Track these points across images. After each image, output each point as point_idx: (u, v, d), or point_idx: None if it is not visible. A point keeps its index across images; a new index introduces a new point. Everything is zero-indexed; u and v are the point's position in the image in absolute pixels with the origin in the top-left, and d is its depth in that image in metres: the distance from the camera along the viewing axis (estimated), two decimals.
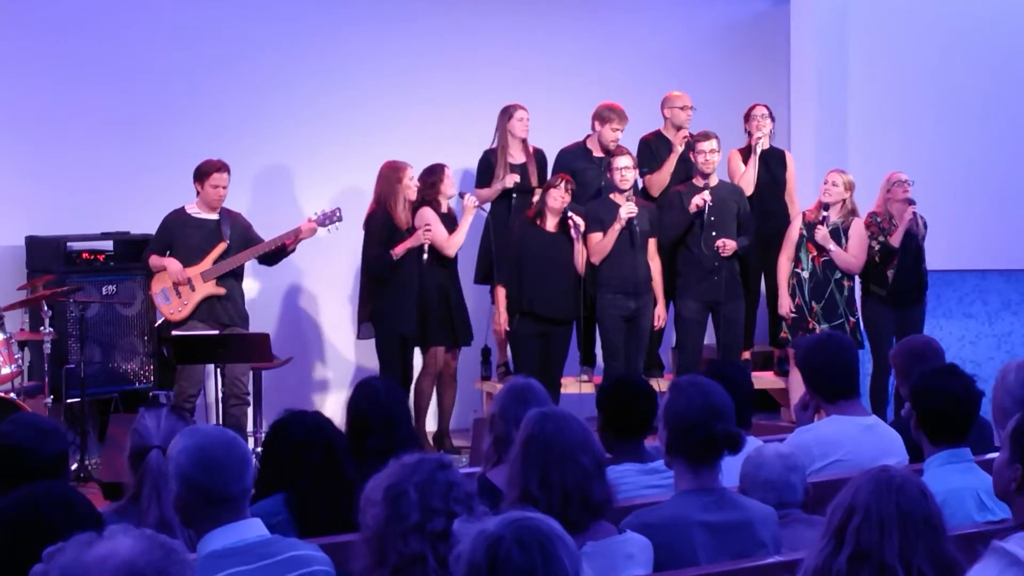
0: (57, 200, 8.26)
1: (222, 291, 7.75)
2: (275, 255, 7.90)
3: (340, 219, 7.88)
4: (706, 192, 8.18)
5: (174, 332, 7.49)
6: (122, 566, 2.01)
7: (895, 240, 8.12)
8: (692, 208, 8.14)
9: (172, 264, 7.67)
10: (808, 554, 2.82)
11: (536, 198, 8.25)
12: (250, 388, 7.83)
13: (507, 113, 8.55)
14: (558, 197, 8.05)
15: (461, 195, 8.28)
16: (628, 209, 8.06)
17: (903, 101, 9.49)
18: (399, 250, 7.89)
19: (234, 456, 3.05)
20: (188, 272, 7.65)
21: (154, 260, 7.70)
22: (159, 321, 7.77)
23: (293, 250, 7.91)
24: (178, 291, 7.66)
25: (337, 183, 8.97)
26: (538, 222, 8.11)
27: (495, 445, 4.24)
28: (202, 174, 7.69)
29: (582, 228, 8.06)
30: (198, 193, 7.73)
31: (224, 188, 7.71)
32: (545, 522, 2.34)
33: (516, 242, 8.20)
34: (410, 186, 7.96)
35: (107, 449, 7.29)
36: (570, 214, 8.06)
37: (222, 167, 7.70)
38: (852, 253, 8.16)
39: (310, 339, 9.16)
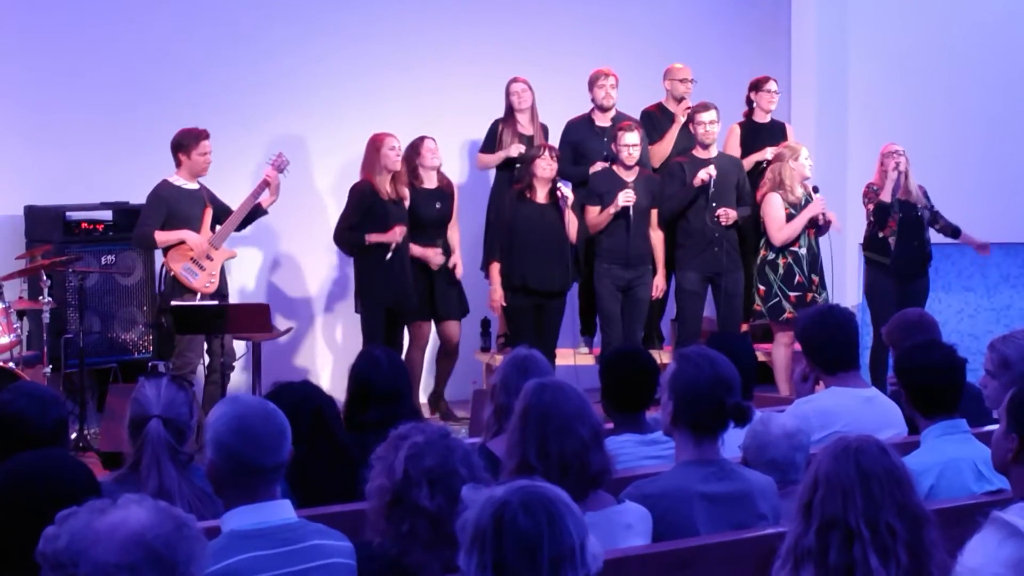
0: (56, 170, 8.24)
1: (234, 254, 7.79)
2: (250, 217, 7.86)
3: (287, 161, 7.89)
4: (711, 167, 8.18)
5: (173, 302, 7.47)
6: (131, 536, 2.01)
7: (885, 195, 8.09)
8: (697, 182, 8.15)
9: (192, 236, 7.59)
10: (786, 538, 2.84)
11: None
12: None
13: (507, 87, 8.55)
14: (545, 167, 8.03)
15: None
16: (626, 197, 8.06)
17: (904, 73, 9.48)
18: (372, 239, 7.85)
19: (272, 427, 3.00)
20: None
21: (164, 235, 7.59)
22: (196, 297, 7.65)
23: (266, 212, 7.90)
24: (200, 264, 7.64)
25: (339, 153, 8.95)
26: (528, 194, 8.10)
27: (496, 415, 4.24)
28: (187, 144, 7.60)
29: (570, 200, 8.05)
30: (181, 163, 7.64)
31: (210, 154, 7.68)
32: (552, 489, 2.35)
33: (506, 216, 8.20)
34: (389, 155, 7.90)
35: (106, 419, 7.29)
36: (558, 185, 8.05)
37: (206, 134, 7.67)
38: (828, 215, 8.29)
39: (305, 310, 9.16)
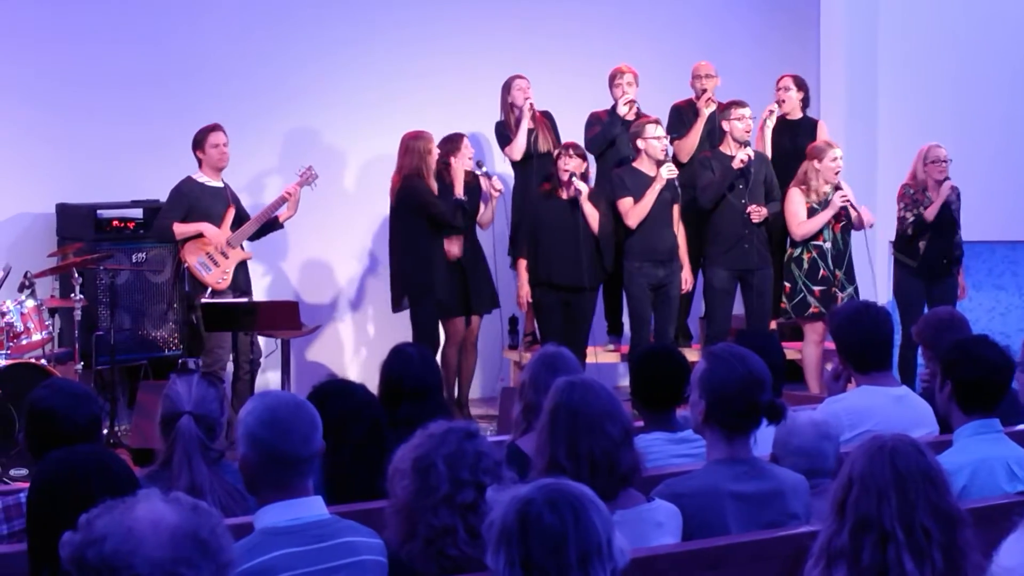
0: (87, 168, 8.29)
1: (250, 255, 7.81)
2: (266, 228, 7.89)
3: (316, 175, 7.91)
4: (749, 148, 8.17)
5: (203, 300, 7.50)
6: (177, 530, 1.99)
7: (930, 214, 8.07)
8: (736, 164, 8.12)
9: (210, 230, 7.65)
10: (818, 536, 2.83)
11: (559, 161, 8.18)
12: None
13: (506, 86, 8.54)
14: (561, 166, 8.03)
15: (479, 164, 8.26)
16: (669, 169, 8.05)
17: (934, 70, 9.41)
18: (459, 189, 7.92)
19: (302, 417, 3.00)
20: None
21: (182, 227, 7.66)
22: (206, 293, 7.67)
23: (282, 226, 7.94)
24: (214, 259, 7.67)
25: (363, 151, 8.97)
26: (556, 193, 8.09)
27: (525, 413, 4.24)
28: (200, 139, 7.68)
29: (584, 192, 8.01)
30: (200, 161, 7.70)
31: (225, 146, 7.70)
32: (577, 487, 2.36)
33: (531, 214, 8.21)
34: (436, 155, 7.95)
35: (136, 415, 7.33)
36: (573, 179, 8.03)
37: (216, 127, 7.71)
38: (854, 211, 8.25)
39: (333, 307, 9.18)
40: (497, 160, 9.03)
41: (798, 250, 8.23)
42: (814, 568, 2.77)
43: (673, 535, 3.48)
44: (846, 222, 8.22)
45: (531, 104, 8.40)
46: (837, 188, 8.14)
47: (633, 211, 8.10)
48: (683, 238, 8.35)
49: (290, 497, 2.96)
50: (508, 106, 8.53)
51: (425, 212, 7.85)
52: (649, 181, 8.09)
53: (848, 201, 8.11)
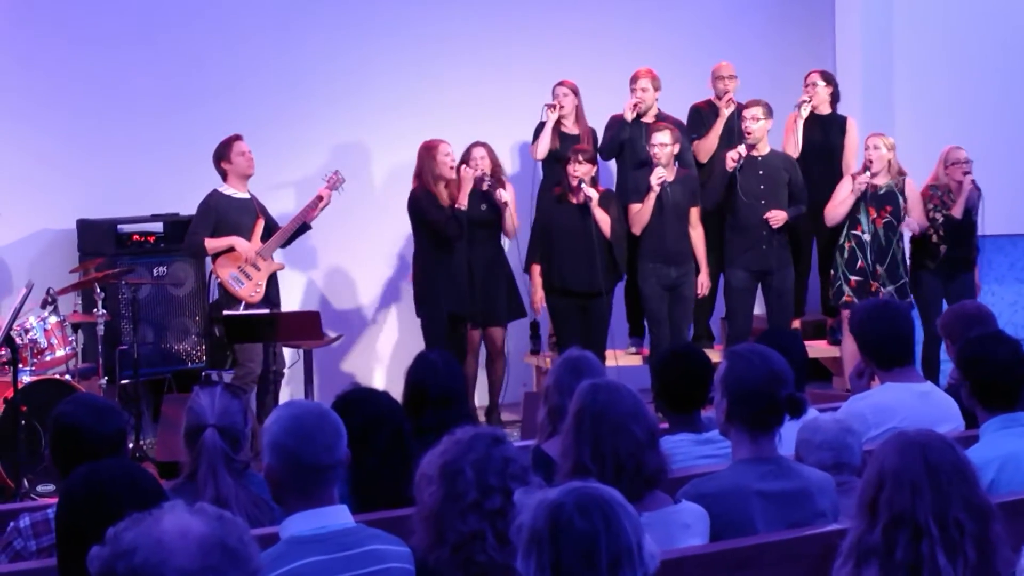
0: (107, 183, 8.32)
1: (282, 266, 7.84)
2: (297, 233, 7.92)
3: (343, 179, 7.92)
4: (741, 147, 8.14)
5: (225, 312, 7.52)
6: (205, 539, 1.99)
7: (956, 211, 8.05)
8: (728, 165, 8.11)
9: (242, 243, 7.68)
10: (847, 535, 2.81)
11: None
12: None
13: (552, 90, 8.56)
14: (571, 171, 8.03)
15: (480, 178, 8.17)
16: (659, 175, 8.05)
17: (950, 64, 9.38)
18: (462, 199, 7.91)
19: (326, 426, 3.01)
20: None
21: (213, 242, 7.68)
22: (240, 306, 7.69)
23: (310, 227, 7.95)
24: (247, 273, 7.69)
25: (386, 159, 8.98)
26: (567, 197, 8.10)
27: (550, 416, 4.24)
28: (223, 151, 7.72)
29: (594, 198, 8.00)
30: (226, 172, 7.74)
31: (250, 152, 7.74)
32: (607, 490, 2.34)
33: (543, 219, 8.20)
34: (445, 162, 7.95)
35: (161, 429, 7.35)
36: (581, 185, 8.02)
37: (238, 136, 7.77)
38: (915, 215, 8.17)
39: (357, 317, 9.19)
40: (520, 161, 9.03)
41: (841, 238, 8.22)
42: (843, 567, 2.76)
43: (701, 536, 3.47)
44: (889, 218, 8.17)
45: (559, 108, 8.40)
46: (869, 172, 8.08)
47: (635, 218, 8.13)
48: (700, 240, 8.33)
49: (315, 506, 2.97)
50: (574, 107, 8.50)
51: (423, 221, 7.87)
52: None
53: (865, 185, 8.05)
